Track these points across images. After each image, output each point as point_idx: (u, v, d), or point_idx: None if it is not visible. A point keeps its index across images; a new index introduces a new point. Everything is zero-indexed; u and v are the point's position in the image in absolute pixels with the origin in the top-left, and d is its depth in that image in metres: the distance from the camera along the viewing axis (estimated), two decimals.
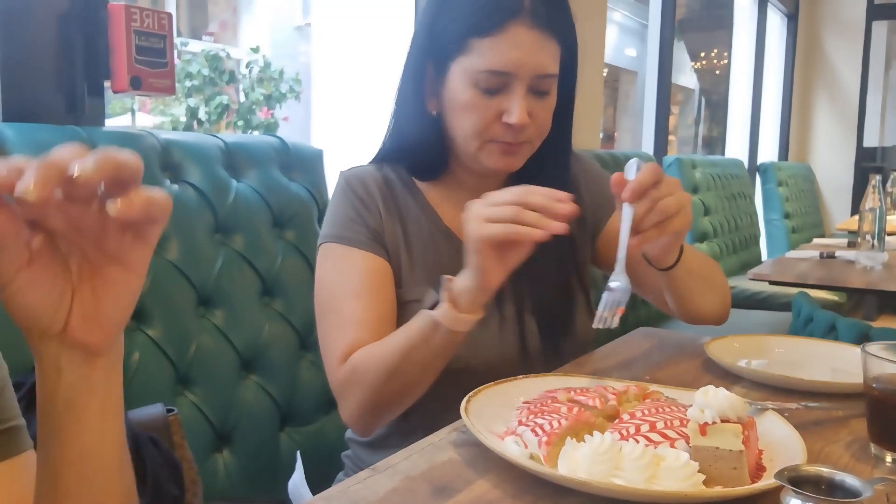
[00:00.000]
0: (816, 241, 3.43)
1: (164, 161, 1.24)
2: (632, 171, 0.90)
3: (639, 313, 2.61)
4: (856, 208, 4.43)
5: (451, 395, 0.82)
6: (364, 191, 1.09)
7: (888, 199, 2.96)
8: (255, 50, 6.75)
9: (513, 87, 0.99)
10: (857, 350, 0.79)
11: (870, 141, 5.88)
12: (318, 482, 1.14)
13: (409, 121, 1.09)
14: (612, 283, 0.90)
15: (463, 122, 1.02)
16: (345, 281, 1.04)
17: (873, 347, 0.74)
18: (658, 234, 0.91)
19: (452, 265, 1.06)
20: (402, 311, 1.06)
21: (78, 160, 0.43)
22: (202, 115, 6.27)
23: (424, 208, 1.11)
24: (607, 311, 0.90)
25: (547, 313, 1.10)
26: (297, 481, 1.07)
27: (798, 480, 0.54)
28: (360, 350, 0.98)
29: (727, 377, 0.99)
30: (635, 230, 0.90)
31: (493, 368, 0.98)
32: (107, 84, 1.27)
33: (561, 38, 1.02)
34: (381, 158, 1.14)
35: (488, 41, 0.98)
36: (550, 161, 1.10)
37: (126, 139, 1.21)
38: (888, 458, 0.73)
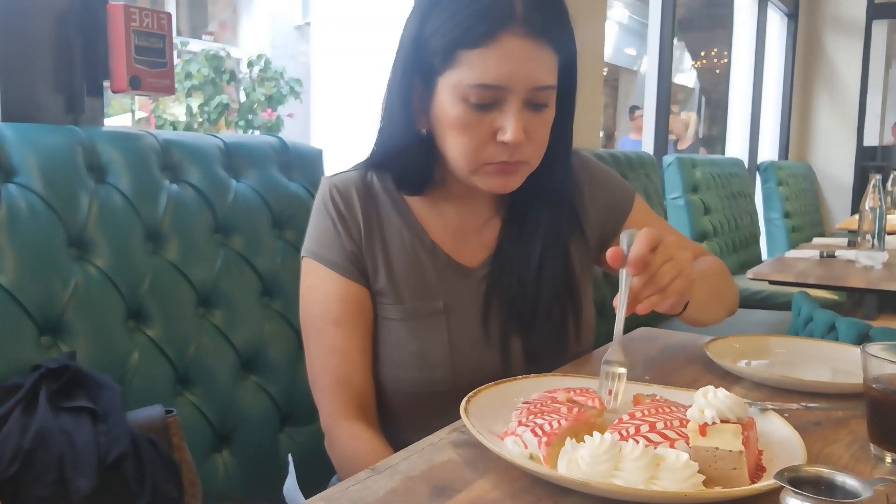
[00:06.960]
0: (816, 240, 3.42)
1: (163, 161, 1.24)
2: (624, 243, 0.86)
3: (638, 313, 2.60)
4: (856, 207, 4.44)
5: (436, 415, 0.81)
6: (345, 204, 1.05)
7: (888, 199, 2.96)
8: (259, 58, 6.72)
9: (507, 101, 0.93)
10: (856, 350, 0.79)
11: (870, 140, 5.89)
12: (317, 481, 1.14)
13: (397, 138, 1.03)
14: (611, 365, 0.85)
15: (454, 143, 0.97)
16: (327, 304, 1.04)
17: (873, 347, 0.74)
18: (660, 301, 0.89)
19: (436, 282, 1.06)
20: (379, 328, 1.05)
21: None
22: (202, 114, 6.25)
23: (409, 222, 1.07)
24: (606, 393, 0.83)
25: (532, 335, 1.06)
26: (291, 486, 1.06)
27: (798, 481, 0.54)
28: (347, 434, 0.99)
29: (727, 377, 0.99)
30: (634, 300, 0.87)
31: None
32: (106, 84, 1.27)
33: (558, 47, 0.95)
34: (367, 166, 1.10)
35: (477, 53, 0.91)
36: (549, 174, 1.04)
37: (126, 139, 1.21)
38: (888, 459, 0.73)
